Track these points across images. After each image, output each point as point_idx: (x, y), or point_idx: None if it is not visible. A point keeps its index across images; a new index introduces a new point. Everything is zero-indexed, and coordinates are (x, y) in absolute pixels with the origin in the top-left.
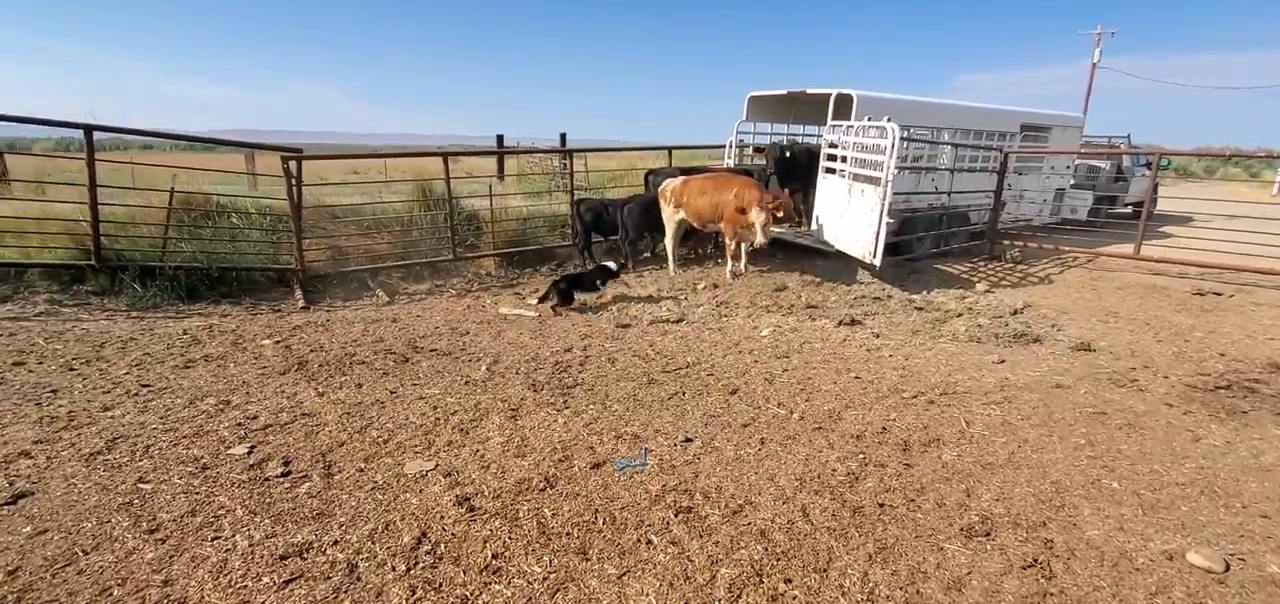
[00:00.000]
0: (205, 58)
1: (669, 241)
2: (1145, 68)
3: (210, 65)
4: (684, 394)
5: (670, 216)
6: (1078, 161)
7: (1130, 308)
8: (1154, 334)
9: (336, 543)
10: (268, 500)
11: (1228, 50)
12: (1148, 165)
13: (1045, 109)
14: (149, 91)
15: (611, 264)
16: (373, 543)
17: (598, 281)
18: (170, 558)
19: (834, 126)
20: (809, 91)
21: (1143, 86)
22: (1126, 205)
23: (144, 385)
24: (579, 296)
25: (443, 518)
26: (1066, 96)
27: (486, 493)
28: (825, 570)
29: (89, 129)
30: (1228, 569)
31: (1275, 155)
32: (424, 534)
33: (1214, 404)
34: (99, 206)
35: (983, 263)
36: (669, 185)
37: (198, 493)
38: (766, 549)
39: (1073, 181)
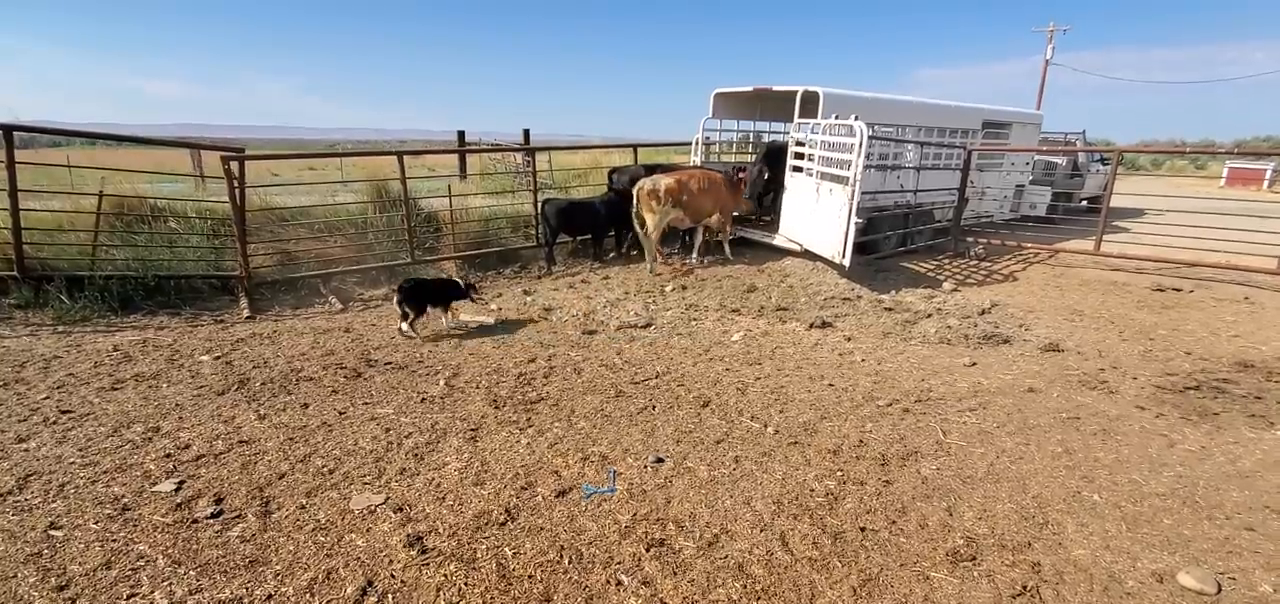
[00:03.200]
0: (155, 52)
1: (654, 238)
2: (1095, 62)
3: (160, 60)
4: (654, 407)
5: (661, 214)
6: (1036, 158)
7: (1094, 305)
8: (1119, 333)
9: (270, 597)
10: (194, 547)
11: (1172, 45)
12: (1102, 161)
13: (1004, 105)
14: (97, 88)
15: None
16: (311, 595)
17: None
18: None
19: (800, 124)
20: (775, 88)
21: (1091, 81)
22: (1082, 201)
23: (64, 412)
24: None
25: (391, 562)
26: (1021, 92)
27: (441, 530)
28: None
29: (8, 129)
30: (1220, 591)
31: (1228, 150)
32: (370, 582)
33: (1185, 406)
34: (21, 212)
35: (948, 260)
36: (660, 181)
37: (115, 540)
38: (745, 586)
39: (1031, 178)
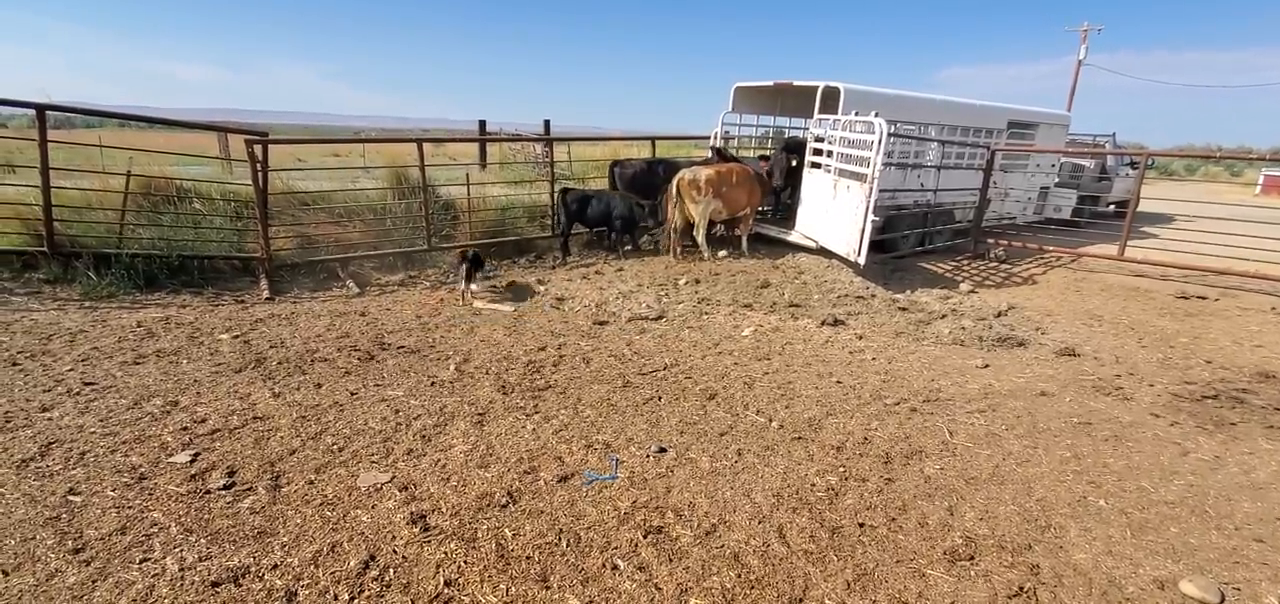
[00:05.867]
0: (181, 35)
1: (701, 229)
2: (1129, 64)
3: (186, 44)
4: (660, 398)
5: (705, 204)
6: (1062, 160)
7: (1114, 311)
8: (1138, 339)
9: (276, 567)
10: (206, 517)
11: (1210, 47)
12: (1132, 165)
13: (1032, 106)
14: (124, 70)
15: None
16: (315, 567)
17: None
18: (93, 583)
19: (820, 120)
20: (795, 83)
21: (1125, 82)
22: (1109, 205)
23: (88, 383)
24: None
25: (394, 538)
26: (1052, 92)
27: (444, 509)
28: (800, 600)
29: (41, 109)
30: (1223, 600)
31: (1263, 156)
32: (372, 557)
33: (1201, 415)
34: (52, 190)
35: (967, 261)
36: (701, 173)
37: (131, 507)
38: (739, 575)
39: (1057, 180)
